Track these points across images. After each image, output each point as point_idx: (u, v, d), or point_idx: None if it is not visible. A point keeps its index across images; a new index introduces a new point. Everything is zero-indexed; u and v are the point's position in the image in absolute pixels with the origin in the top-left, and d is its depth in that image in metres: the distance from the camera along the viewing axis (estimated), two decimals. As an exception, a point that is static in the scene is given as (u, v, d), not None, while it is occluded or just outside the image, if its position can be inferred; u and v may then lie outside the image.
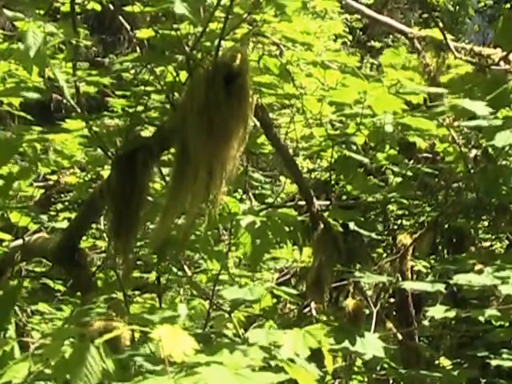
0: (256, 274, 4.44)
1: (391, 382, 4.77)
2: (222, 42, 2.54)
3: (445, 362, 4.93)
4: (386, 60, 4.10)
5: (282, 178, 4.76)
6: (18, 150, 3.11)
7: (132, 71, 3.33)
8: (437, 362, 4.89)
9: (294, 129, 3.80)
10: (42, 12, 3.00)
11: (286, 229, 3.10)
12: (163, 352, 1.50)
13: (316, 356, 2.26)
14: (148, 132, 3.25)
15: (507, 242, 5.77)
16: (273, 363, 2.01)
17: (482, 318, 3.17)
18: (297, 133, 3.67)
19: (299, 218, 3.24)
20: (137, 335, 2.63)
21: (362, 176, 3.85)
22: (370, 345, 2.73)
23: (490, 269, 3.14)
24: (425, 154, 4.61)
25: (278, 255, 4.27)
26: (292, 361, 2.04)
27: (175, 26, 2.67)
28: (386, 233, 5.45)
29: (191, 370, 1.55)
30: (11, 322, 2.14)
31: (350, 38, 7.27)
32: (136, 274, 3.90)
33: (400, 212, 5.49)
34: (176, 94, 2.86)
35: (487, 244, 5.65)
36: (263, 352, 2.04)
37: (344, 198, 4.04)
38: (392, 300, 5.34)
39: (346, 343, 2.68)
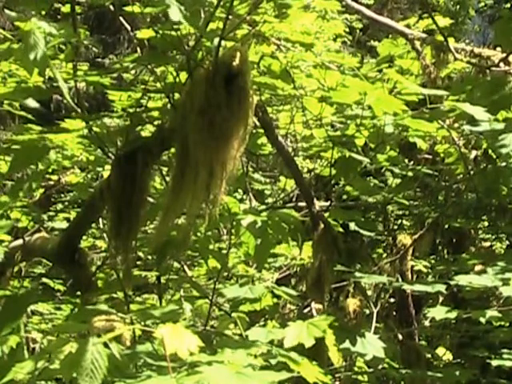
0: (255, 273, 4.45)
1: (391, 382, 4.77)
2: (222, 42, 2.54)
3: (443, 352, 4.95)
4: (384, 50, 4.10)
5: (282, 178, 4.76)
6: (42, 155, 3.11)
7: (132, 71, 3.33)
8: (441, 357, 4.90)
9: (294, 130, 3.81)
10: (42, 12, 3.00)
11: (287, 228, 3.10)
12: (165, 351, 1.49)
13: (317, 354, 2.26)
14: (148, 132, 3.25)
15: (507, 242, 5.78)
16: (274, 361, 2.01)
17: (482, 319, 3.17)
18: (297, 133, 3.67)
19: (300, 218, 3.24)
20: (138, 333, 2.63)
21: (362, 178, 3.85)
22: (371, 345, 2.73)
23: (491, 270, 3.14)
24: (425, 155, 4.61)
25: (277, 251, 4.27)
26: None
27: (175, 26, 2.67)
28: (386, 233, 5.46)
29: (193, 369, 1.56)
30: (21, 322, 2.16)
31: (350, 38, 7.27)
32: (136, 273, 3.90)
33: (400, 212, 5.49)
34: (176, 94, 2.86)
35: (487, 244, 5.66)
36: (265, 347, 2.04)
37: (344, 198, 4.05)
38: (392, 300, 5.35)
39: (347, 343, 2.68)
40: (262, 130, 3.43)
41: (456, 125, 3.80)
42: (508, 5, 9.68)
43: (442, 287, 3.07)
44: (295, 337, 2.26)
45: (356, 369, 4.18)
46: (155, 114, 3.06)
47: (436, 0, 9.31)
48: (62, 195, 5.37)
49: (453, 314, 3.19)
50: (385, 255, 5.50)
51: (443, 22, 4.00)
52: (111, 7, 3.13)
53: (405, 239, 5.13)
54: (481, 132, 3.15)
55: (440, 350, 5.11)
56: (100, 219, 3.83)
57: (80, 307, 3.26)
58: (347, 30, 5.96)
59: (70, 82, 3.03)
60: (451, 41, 3.87)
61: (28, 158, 3.09)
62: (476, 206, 4.63)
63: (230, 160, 2.52)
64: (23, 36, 2.37)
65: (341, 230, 3.42)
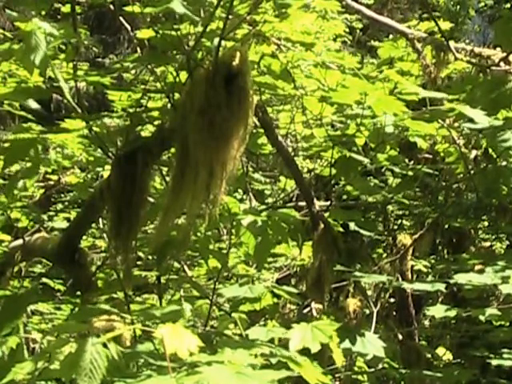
0: (255, 273, 4.45)
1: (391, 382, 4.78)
2: (223, 42, 2.54)
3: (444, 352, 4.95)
4: (384, 53, 4.11)
5: (282, 178, 4.76)
6: (31, 149, 3.09)
7: (132, 71, 3.33)
8: (441, 357, 4.90)
9: (295, 130, 3.81)
10: (42, 12, 3.00)
11: (287, 228, 3.10)
12: (165, 351, 1.49)
13: (318, 354, 2.26)
14: (148, 132, 3.25)
15: (507, 242, 5.78)
16: (274, 360, 2.00)
17: (482, 318, 3.17)
18: (297, 133, 3.67)
19: (299, 218, 3.24)
20: (139, 333, 2.63)
21: (362, 178, 3.85)
22: (371, 344, 2.73)
23: (491, 269, 3.14)
24: (425, 155, 4.61)
25: (277, 251, 4.27)
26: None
27: (175, 26, 2.67)
28: (386, 233, 5.46)
29: (193, 369, 1.55)
30: (21, 322, 2.16)
31: (350, 38, 7.27)
32: (136, 273, 3.90)
33: (400, 212, 5.50)
34: (176, 94, 2.86)
35: (487, 244, 5.67)
36: (265, 347, 2.03)
37: (344, 198, 4.05)
38: (392, 300, 5.35)
39: (347, 343, 2.68)
40: (262, 130, 3.43)
41: (456, 124, 3.80)
42: (508, 5, 9.68)
43: (441, 286, 3.07)
44: (300, 340, 2.26)
45: (356, 369, 4.17)
46: (155, 114, 3.06)
47: (436, 0, 9.32)
48: (62, 195, 5.37)
49: (452, 313, 3.19)
50: (385, 255, 5.50)
51: (443, 26, 4.00)
52: (111, 7, 3.13)
53: (405, 239, 5.14)
54: (480, 130, 3.16)
55: (440, 350, 5.11)
56: (100, 219, 3.83)
57: (80, 307, 3.26)
58: (347, 30, 5.97)
59: (70, 81, 3.03)
60: (451, 42, 3.87)
61: (17, 154, 3.08)
62: (476, 206, 4.63)
63: (229, 160, 2.51)
64: (24, 37, 2.37)
65: (341, 229, 3.42)
